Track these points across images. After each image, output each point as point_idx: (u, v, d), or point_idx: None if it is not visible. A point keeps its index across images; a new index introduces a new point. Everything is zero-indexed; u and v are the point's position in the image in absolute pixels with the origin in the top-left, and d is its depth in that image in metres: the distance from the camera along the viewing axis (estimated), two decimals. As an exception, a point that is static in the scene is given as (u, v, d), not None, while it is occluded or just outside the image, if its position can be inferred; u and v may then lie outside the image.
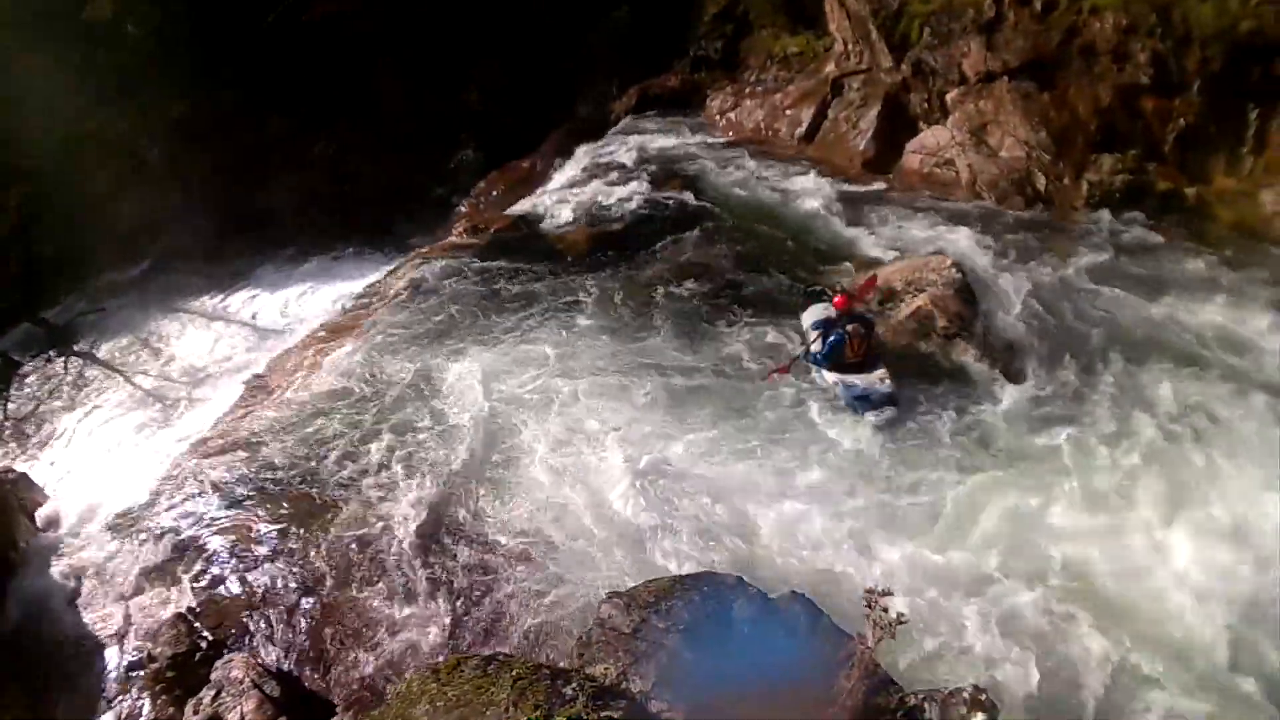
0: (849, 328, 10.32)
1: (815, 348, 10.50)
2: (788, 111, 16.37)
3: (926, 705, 5.65)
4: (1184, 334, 10.89)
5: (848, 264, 12.73)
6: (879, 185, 14.47)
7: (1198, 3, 12.75)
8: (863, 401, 10.04)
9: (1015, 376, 10.50)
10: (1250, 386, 9.96)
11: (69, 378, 13.70)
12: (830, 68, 16.23)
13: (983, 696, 5.62)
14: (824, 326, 10.58)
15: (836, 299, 10.68)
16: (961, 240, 12.66)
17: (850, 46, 15.85)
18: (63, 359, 14.07)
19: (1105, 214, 12.88)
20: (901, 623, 5.65)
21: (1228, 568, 7.96)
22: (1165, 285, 11.59)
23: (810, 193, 14.31)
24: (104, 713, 7.97)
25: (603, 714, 5.39)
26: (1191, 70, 12.77)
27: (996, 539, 8.49)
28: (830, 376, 10.39)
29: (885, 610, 5.69)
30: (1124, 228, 12.67)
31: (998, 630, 7.54)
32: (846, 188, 14.37)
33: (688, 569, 8.07)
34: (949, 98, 14.32)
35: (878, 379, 10.18)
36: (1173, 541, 8.30)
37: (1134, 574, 8.03)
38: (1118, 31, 13.11)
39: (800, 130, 16.00)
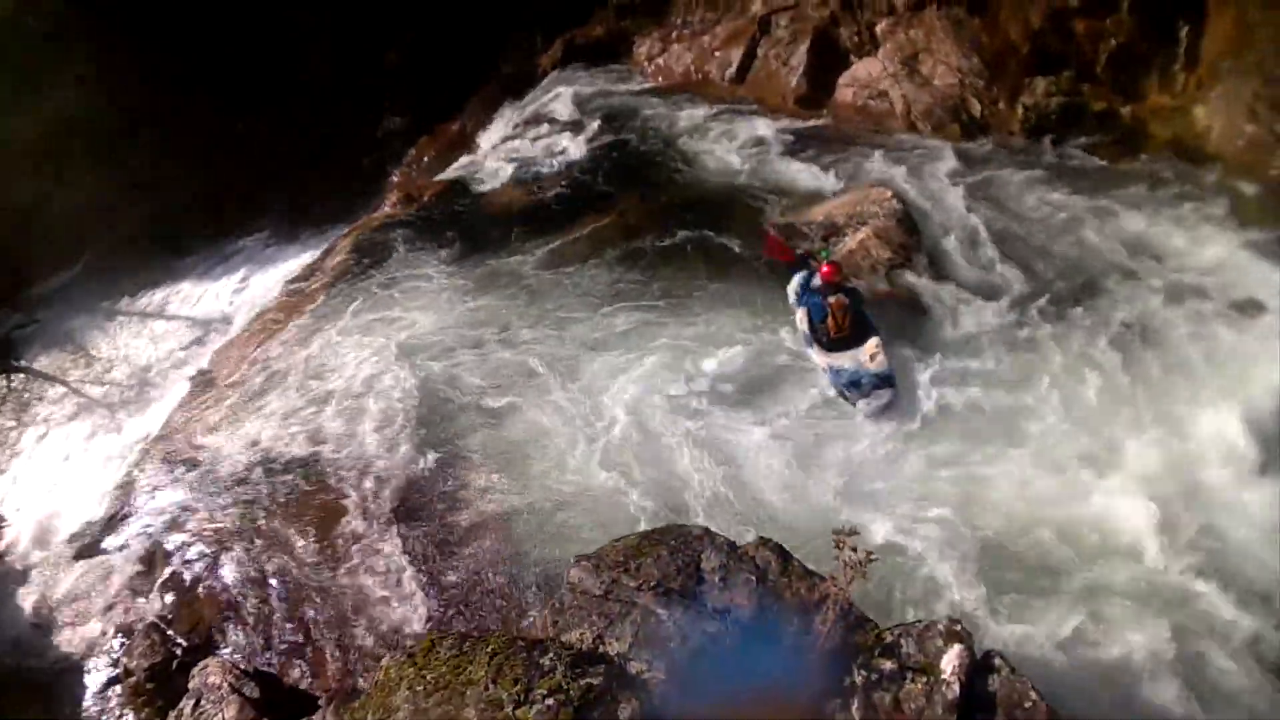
0: (831, 299, 9.75)
1: (802, 325, 10.01)
2: (716, 53, 16.14)
3: (903, 640, 5.76)
4: (1124, 252, 11.01)
5: (787, 201, 12.65)
6: (814, 121, 14.35)
7: (1123, -81, 12.67)
8: (853, 388, 9.32)
9: (961, 301, 10.57)
10: (1186, 299, 10.18)
11: (10, 394, 13.31)
12: (757, 6, 15.97)
13: (958, 628, 5.74)
14: (804, 294, 10.18)
15: (824, 268, 10.06)
16: (900, 170, 12.63)
17: (776, -18, 15.66)
18: (2, 375, 13.65)
19: (1042, 137, 12.92)
20: (872, 561, 5.74)
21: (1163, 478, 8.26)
22: (1104, 205, 11.66)
23: (745, 133, 14.19)
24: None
25: (583, 681, 5.42)
26: (1120, -12, 12.76)
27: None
28: (818, 359, 9.74)
29: (855, 550, 5.76)
30: (1061, 150, 12.74)
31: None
32: (781, 125, 14.22)
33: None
34: (879, 29, 14.23)
35: (868, 357, 9.48)
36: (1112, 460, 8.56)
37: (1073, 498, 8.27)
38: (1046, -47, 13.05)
39: (730, 71, 15.79)
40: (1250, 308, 9.98)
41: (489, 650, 5.75)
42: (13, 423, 12.83)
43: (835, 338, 9.75)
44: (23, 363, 13.95)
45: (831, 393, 9.56)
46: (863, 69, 14.41)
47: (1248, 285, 10.22)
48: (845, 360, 9.55)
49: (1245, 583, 7.38)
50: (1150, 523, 7.81)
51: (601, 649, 5.89)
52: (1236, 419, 8.55)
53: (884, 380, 9.33)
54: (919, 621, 6.05)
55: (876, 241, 11.13)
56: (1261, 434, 8.43)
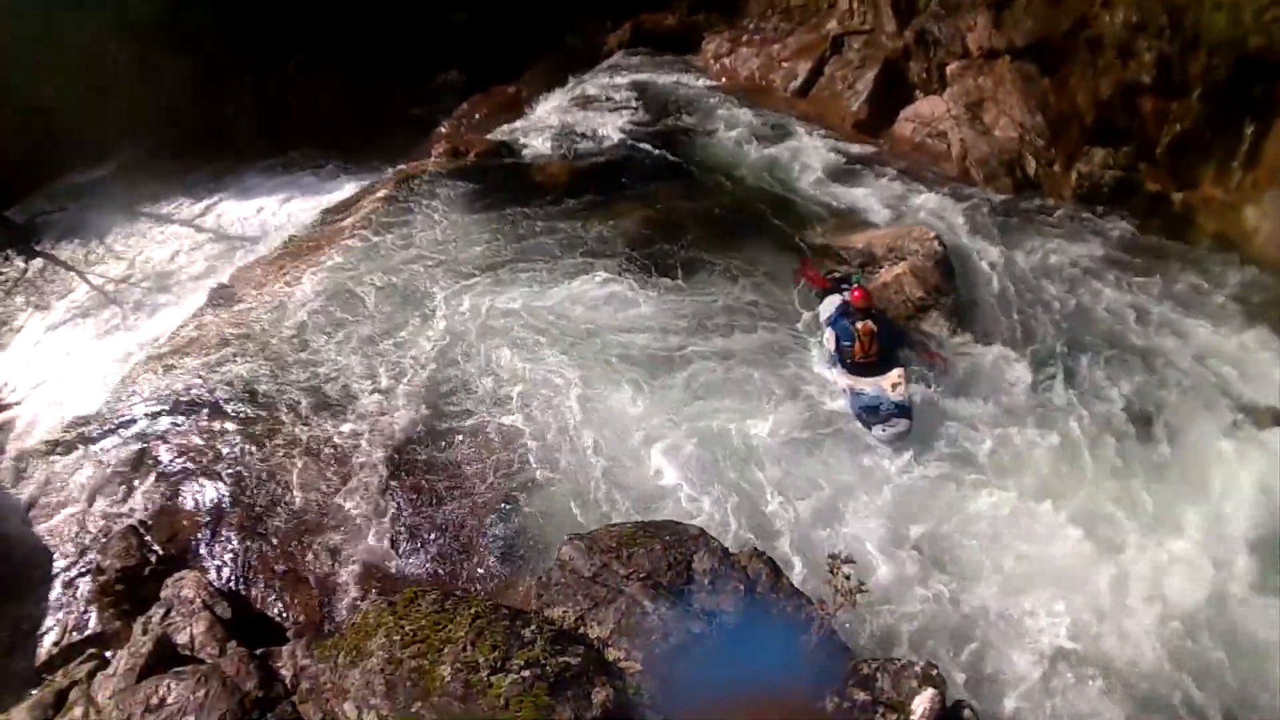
0: (859, 324, 9.80)
1: (829, 345, 10.03)
2: (784, 63, 16.15)
3: (879, 675, 5.76)
4: (1149, 336, 10.87)
5: (828, 223, 12.60)
6: (868, 148, 14.31)
7: (1211, 10, 12.51)
8: (870, 413, 9.32)
9: (981, 356, 10.42)
10: (1206, 395, 10.04)
11: (27, 277, 13.29)
12: (832, 24, 15.99)
13: (934, 672, 5.74)
14: (836, 317, 10.20)
15: (854, 292, 10.10)
16: (946, 213, 12.57)
17: (855, 5, 15.65)
18: (22, 258, 13.62)
19: (1090, 207, 12.81)
20: (863, 591, 5.72)
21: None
22: (1139, 286, 11.54)
23: (799, 147, 14.15)
24: (49, 625, 7.83)
25: (560, 659, 5.40)
26: (1195, 76, 12.63)
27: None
28: (840, 381, 9.78)
29: (847, 577, 5.75)
30: (1107, 223, 12.60)
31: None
32: (836, 146, 14.18)
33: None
34: (949, 70, 14.15)
35: (889, 386, 9.52)
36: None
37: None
38: (1127, 27, 12.95)
39: (795, 84, 15.81)
40: (1266, 418, 9.77)
41: (471, 612, 5.74)
42: (24, 306, 12.83)
43: (859, 361, 9.79)
44: (44, 248, 13.93)
45: (849, 413, 9.51)
46: (926, 106, 14.39)
47: (1267, 393, 10.05)
48: (867, 385, 9.58)
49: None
50: (1135, 602, 7.75)
51: (583, 630, 5.88)
52: (1232, 525, 8.47)
53: (902, 411, 9.33)
54: (897, 659, 6.05)
55: (911, 279, 11.07)
56: (1253, 544, 8.34)
